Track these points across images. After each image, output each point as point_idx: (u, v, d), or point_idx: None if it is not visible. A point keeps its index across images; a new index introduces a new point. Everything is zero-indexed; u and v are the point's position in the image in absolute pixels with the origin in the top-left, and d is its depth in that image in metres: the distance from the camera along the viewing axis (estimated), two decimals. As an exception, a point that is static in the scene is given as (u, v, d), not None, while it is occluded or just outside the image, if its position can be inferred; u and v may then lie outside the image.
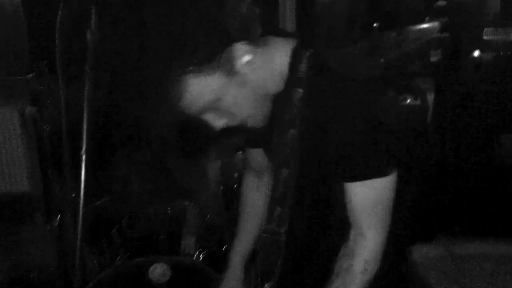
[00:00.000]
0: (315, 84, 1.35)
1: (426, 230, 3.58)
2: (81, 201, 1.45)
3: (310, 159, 1.42)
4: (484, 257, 3.42)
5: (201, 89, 1.27)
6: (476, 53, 3.27)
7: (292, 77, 1.38)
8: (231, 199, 2.84)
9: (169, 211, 2.72)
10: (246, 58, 1.28)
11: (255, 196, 1.87)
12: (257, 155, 1.75)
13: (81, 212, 1.44)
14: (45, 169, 3.03)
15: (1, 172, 3.69)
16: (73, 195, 1.45)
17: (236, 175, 2.83)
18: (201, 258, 2.29)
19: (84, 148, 1.42)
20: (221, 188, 2.85)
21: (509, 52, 3.25)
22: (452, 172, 3.44)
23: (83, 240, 1.46)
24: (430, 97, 3.28)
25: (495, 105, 3.34)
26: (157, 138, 2.75)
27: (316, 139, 1.38)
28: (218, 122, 1.38)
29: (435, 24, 2.95)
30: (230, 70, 1.27)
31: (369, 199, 1.39)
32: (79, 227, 1.45)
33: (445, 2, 3.50)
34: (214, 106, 1.32)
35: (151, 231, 2.58)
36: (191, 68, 1.23)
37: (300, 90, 1.37)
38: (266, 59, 1.36)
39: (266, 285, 1.73)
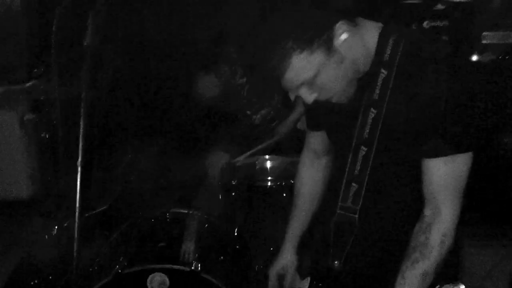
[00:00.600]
0: (400, 66, 1.43)
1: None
2: (77, 211, 1.44)
3: (390, 137, 1.49)
4: (483, 255, 3.42)
5: (303, 65, 1.37)
6: (475, 57, 3.27)
7: (378, 59, 1.46)
8: (231, 205, 2.83)
9: (168, 217, 2.70)
10: (344, 36, 1.38)
11: (313, 177, 1.92)
12: (317, 137, 1.84)
13: (77, 222, 1.42)
14: (45, 174, 3.02)
15: (3, 179, 3.69)
16: (68, 205, 1.43)
17: (234, 182, 2.82)
18: (199, 267, 2.27)
19: (80, 158, 1.40)
20: (220, 195, 2.84)
21: (507, 56, 3.25)
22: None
23: (80, 248, 1.45)
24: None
25: (494, 108, 3.33)
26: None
27: (398, 118, 1.45)
28: (310, 96, 1.46)
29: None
30: (330, 48, 1.37)
31: (448, 174, 1.45)
32: (76, 236, 1.44)
33: (444, 6, 3.50)
34: (310, 82, 1.41)
35: (151, 238, 2.56)
36: (297, 46, 1.34)
37: (385, 72, 1.45)
38: (359, 40, 1.44)
39: (305, 279, 1.75)
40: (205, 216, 2.68)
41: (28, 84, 2.71)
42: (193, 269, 2.26)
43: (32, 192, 3.77)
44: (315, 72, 1.38)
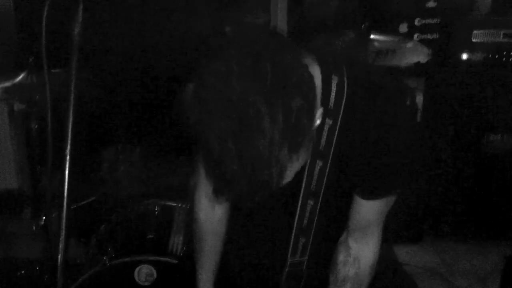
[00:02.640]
0: (345, 112, 1.33)
1: (414, 231, 3.58)
2: (65, 201, 1.43)
3: (336, 186, 1.45)
4: (474, 258, 3.44)
5: (292, 169, 1.18)
6: (465, 55, 3.28)
7: (324, 107, 1.29)
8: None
9: (157, 210, 2.70)
10: (319, 120, 1.22)
11: (215, 221, 1.73)
12: None
13: (64, 212, 1.42)
14: (34, 166, 3.00)
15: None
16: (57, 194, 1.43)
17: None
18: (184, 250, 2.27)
19: (68, 148, 1.40)
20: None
21: (497, 55, 3.26)
22: (440, 173, 3.45)
23: (67, 240, 1.44)
24: (419, 98, 3.30)
25: (483, 106, 3.35)
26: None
27: (344, 166, 1.40)
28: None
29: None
30: (310, 141, 1.22)
31: (379, 210, 1.48)
32: (62, 227, 1.43)
33: (435, 3, 3.51)
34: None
35: (139, 230, 2.56)
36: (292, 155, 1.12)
37: (330, 121, 1.33)
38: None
39: None
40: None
41: (19, 77, 2.69)
42: (180, 261, 2.27)
43: (20, 183, 3.75)
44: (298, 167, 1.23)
